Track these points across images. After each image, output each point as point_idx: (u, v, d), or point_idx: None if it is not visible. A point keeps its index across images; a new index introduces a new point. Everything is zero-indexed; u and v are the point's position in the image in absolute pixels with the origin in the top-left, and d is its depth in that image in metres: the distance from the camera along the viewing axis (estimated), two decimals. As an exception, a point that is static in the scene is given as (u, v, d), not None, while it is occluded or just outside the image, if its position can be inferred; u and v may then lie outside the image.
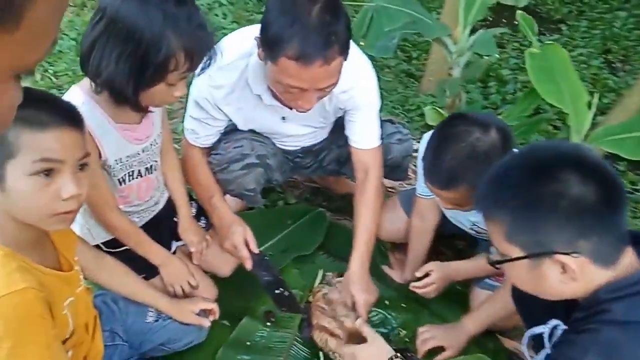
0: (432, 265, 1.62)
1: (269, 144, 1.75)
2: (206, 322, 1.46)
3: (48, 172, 0.93)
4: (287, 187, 2.23)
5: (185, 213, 1.65)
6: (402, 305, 1.69)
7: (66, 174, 0.95)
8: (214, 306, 1.48)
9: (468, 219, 1.59)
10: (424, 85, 3.04)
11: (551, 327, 1.09)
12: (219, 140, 1.69)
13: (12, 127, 0.89)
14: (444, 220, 1.74)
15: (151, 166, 1.49)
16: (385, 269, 1.84)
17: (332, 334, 1.46)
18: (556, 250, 0.91)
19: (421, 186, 1.69)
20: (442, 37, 2.36)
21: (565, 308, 1.05)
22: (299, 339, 1.56)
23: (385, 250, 1.92)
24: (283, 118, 1.65)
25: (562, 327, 1.04)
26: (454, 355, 1.44)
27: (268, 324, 1.60)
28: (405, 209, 1.82)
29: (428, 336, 1.49)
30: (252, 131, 1.70)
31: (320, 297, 1.58)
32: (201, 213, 1.78)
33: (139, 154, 1.42)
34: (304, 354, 1.53)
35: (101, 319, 1.35)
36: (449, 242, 1.94)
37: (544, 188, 0.92)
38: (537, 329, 1.13)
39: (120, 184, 1.43)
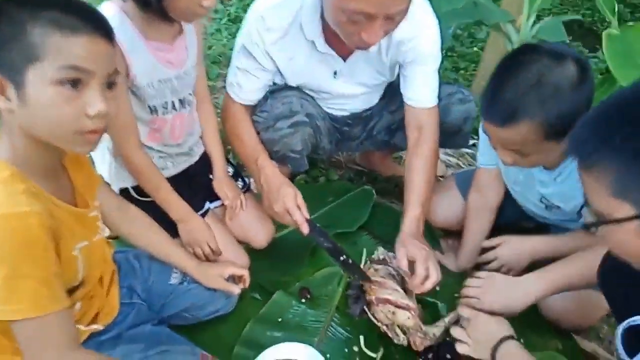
0: (504, 238, 1.39)
1: (317, 106, 1.60)
2: (235, 289, 1.30)
3: (75, 83, 0.81)
4: (329, 165, 2.07)
5: (220, 166, 1.54)
6: (455, 294, 1.47)
7: (94, 88, 0.83)
8: (245, 273, 1.32)
9: (538, 191, 1.35)
10: (474, 87, 2.83)
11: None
12: (264, 98, 1.54)
13: (37, 27, 0.78)
14: (505, 205, 1.52)
15: (184, 99, 1.37)
16: (437, 255, 1.61)
17: (398, 306, 1.27)
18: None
19: (483, 155, 1.48)
20: (503, 25, 2.15)
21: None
22: (336, 320, 1.37)
23: (437, 237, 1.70)
24: (335, 73, 1.48)
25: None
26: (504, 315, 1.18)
27: (303, 300, 1.42)
28: (462, 191, 1.61)
29: (474, 293, 1.24)
30: (300, 90, 1.56)
31: (372, 273, 1.39)
32: (238, 175, 1.65)
33: (172, 80, 1.31)
34: (341, 335, 1.33)
35: (119, 274, 1.23)
36: (511, 232, 1.70)
37: None
38: (635, 319, 0.91)
39: (152, 112, 1.32)
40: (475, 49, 3.25)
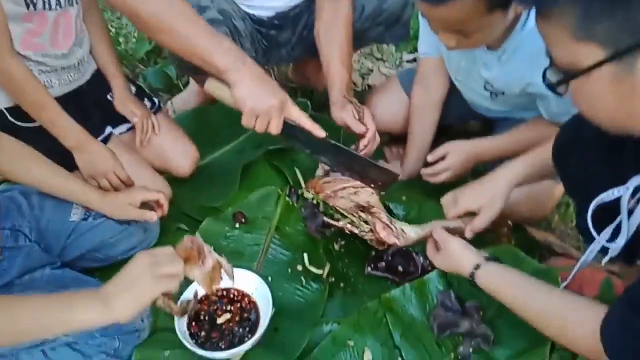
0: (447, 147, 1.25)
1: (233, 3, 1.36)
2: (151, 215, 1.11)
3: None
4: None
5: (120, 83, 1.31)
6: (402, 197, 1.35)
7: None
8: (160, 196, 1.12)
9: (481, 76, 1.22)
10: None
11: (633, 189, 0.77)
12: None
13: None
14: (450, 102, 1.39)
15: None
16: (380, 163, 1.47)
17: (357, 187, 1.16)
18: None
19: (424, 44, 1.33)
20: None
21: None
22: (276, 241, 1.22)
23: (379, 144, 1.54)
24: None
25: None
26: (489, 220, 1.05)
27: (237, 225, 1.25)
28: (406, 90, 1.46)
29: (451, 199, 1.10)
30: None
31: (317, 180, 1.23)
32: (144, 94, 1.40)
33: None
34: (282, 256, 1.19)
35: (1, 215, 1.00)
36: (457, 132, 1.59)
37: None
38: (608, 195, 0.81)
39: (28, 6, 1.06)
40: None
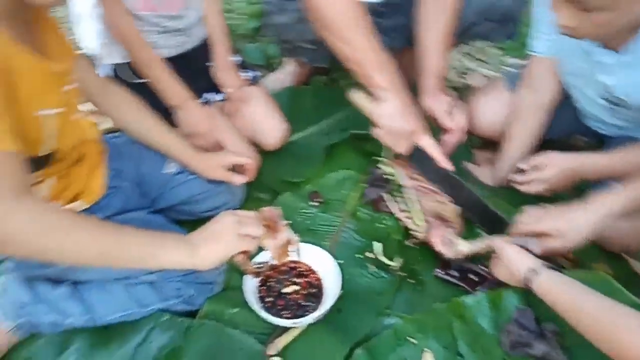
0: (546, 157, 1.17)
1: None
2: (238, 179, 1.16)
3: None
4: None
5: (222, 51, 1.35)
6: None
7: None
8: (249, 162, 1.17)
9: (600, 82, 1.11)
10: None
11: None
12: None
13: None
14: (557, 114, 1.30)
15: None
16: (469, 165, 1.43)
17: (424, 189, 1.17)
18: None
19: (537, 40, 1.23)
20: None
21: None
22: (351, 226, 1.23)
23: (471, 147, 1.48)
24: None
25: None
26: (563, 249, 0.98)
27: (313, 203, 1.27)
28: (510, 90, 1.37)
29: (533, 214, 1.03)
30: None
31: (406, 165, 1.23)
32: (245, 65, 1.46)
33: None
34: (355, 241, 1.19)
35: (109, 156, 1.10)
36: (560, 147, 1.48)
37: None
38: None
39: None
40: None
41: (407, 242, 1.20)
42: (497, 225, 1.15)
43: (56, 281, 1.01)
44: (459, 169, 1.38)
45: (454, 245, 1.12)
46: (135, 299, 0.98)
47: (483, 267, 1.11)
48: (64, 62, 0.89)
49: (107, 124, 1.24)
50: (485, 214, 1.18)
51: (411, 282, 1.12)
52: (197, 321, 0.99)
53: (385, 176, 1.26)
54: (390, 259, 1.14)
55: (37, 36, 0.85)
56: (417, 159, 1.18)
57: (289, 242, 0.93)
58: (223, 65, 1.35)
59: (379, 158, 1.30)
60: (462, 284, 1.12)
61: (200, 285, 1.01)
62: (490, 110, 1.39)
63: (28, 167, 0.73)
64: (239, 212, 0.87)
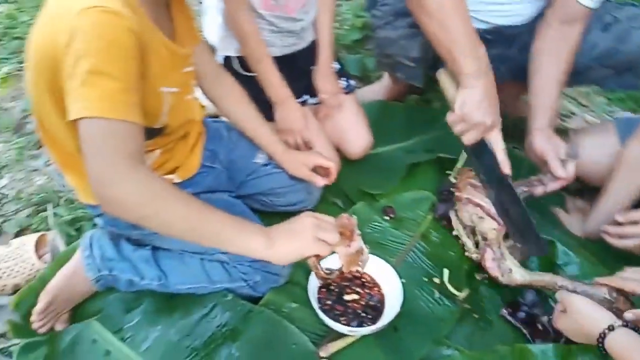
0: None
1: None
2: (319, 180, 1.19)
3: None
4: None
5: (326, 57, 1.39)
6: (569, 251, 1.21)
7: None
8: (332, 165, 1.20)
9: None
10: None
11: None
12: None
13: None
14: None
15: None
16: (559, 212, 1.34)
17: (488, 214, 1.12)
18: None
19: None
20: None
21: None
22: (420, 247, 1.21)
23: (564, 193, 1.38)
24: None
25: None
26: None
27: (386, 218, 1.27)
28: (621, 140, 1.26)
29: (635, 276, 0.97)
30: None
31: (470, 174, 1.20)
32: (345, 74, 1.49)
33: None
34: (423, 264, 1.17)
35: (207, 138, 1.17)
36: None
37: None
38: None
39: None
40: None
41: (476, 275, 1.17)
42: (536, 246, 1.11)
43: (138, 244, 1.09)
44: (548, 213, 1.32)
45: (508, 272, 1.09)
46: (207, 275, 1.04)
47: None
48: (189, 46, 0.98)
49: (211, 110, 1.33)
50: (527, 230, 1.11)
51: (475, 317, 1.08)
52: (257, 308, 1.03)
53: (451, 188, 1.25)
54: (458, 289, 1.11)
55: (170, 20, 0.94)
56: (479, 153, 1.13)
57: (359, 252, 0.93)
58: (324, 71, 1.39)
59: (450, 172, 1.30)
60: (525, 331, 1.06)
61: (267, 274, 1.04)
62: (595, 153, 1.28)
63: (144, 137, 0.80)
64: (319, 215, 0.88)
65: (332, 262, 1.05)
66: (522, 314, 1.09)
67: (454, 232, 1.22)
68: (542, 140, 1.17)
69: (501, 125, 1.13)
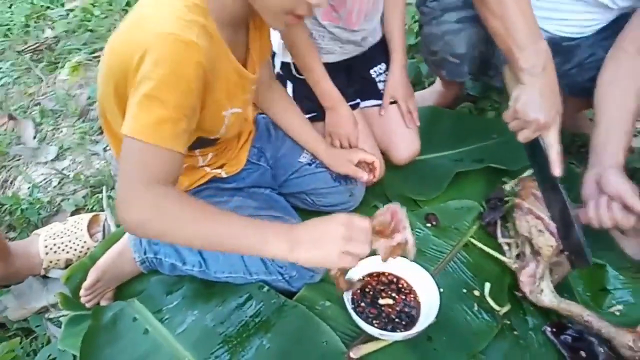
0: None
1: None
2: (364, 175, 1.18)
3: None
4: (504, 100, 1.76)
5: (400, 63, 1.37)
6: (628, 285, 1.14)
7: None
8: (376, 160, 1.19)
9: None
10: None
11: None
12: None
13: None
14: None
15: None
16: (615, 233, 1.25)
17: (549, 231, 1.07)
18: None
19: None
20: None
21: None
22: (462, 258, 1.18)
23: None
24: None
25: None
26: None
27: (428, 225, 1.25)
28: None
29: None
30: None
31: (534, 184, 1.16)
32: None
33: None
34: (463, 274, 1.14)
35: (256, 135, 1.21)
36: None
37: None
38: None
39: None
40: None
41: (516, 293, 1.12)
42: (580, 256, 1.06)
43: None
44: (604, 235, 1.24)
45: (539, 292, 1.06)
46: (245, 265, 1.05)
47: (604, 349, 0.99)
48: (259, 69, 1.00)
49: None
50: (573, 237, 1.06)
51: (515, 333, 1.03)
52: (291, 302, 1.03)
53: (505, 197, 1.21)
54: (498, 304, 1.07)
55: (246, 44, 0.96)
56: (532, 151, 1.09)
57: (403, 245, 0.87)
58: (398, 77, 1.38)
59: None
60: (567, 354, 1.01)
61: (303, 269, 1.04)
62: None
63: (182, 163, 0.81)
64: (354, 221, 0.80)
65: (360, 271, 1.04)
66: (567, 337, 1.04)
67: (499, 240, 1.18)
68: (619, 178, 1.06)
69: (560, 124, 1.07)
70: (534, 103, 1.02)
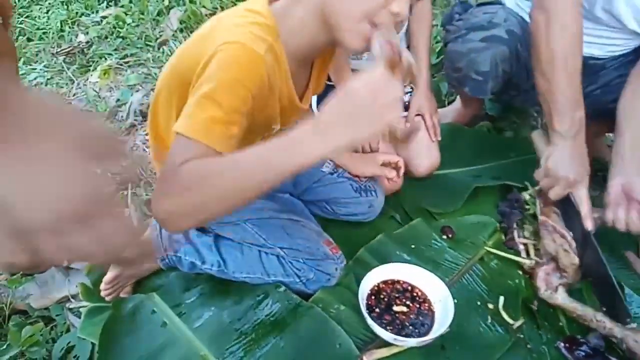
0: None
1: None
2: (391, 172, 1.21)
3: None
4: (523, 121, 1.78)
5: (426, 75, 1.42)
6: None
7: None
8: (400, 161, 1.23)
9: None
10: None
11: None
12: (468, 6, 1.37)
13: None
14: None
15: None
16: (631, 256, 1.27)
17: (570, 247, 1.11)
18: None
19: None
20: None
21: None
22: (477, 271, 1.19)
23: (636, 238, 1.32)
24: None
25: None
26: None
27: (444, 237, 1.26)
28: None
29: None
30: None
31: (553, 202, 1.18)
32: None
33: None
34: (477, 287, 1.15)
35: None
36: None
37: None
38: None
39: None
40: None
41: (532, 306, 1.12)
42: (619, 311, 1.06)
43: (203, 230, 1.16)
44: (621, 257, 1.25)
45: (553, 289, 1.10)
46: (263, 267, 1.08)
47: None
48: (310, 100, 1.01)
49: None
50: (607, 292, 1.08)
51: (528, 347, 1.04)
52: (307, 303, 1.05)
53: (524, 202, 1.26)
54: (512, 317, 1.07)
55: (307, 79, 0.97)
56: (564, 207, 1.14)
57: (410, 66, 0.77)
58: (425, 91, 1.42)
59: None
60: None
61: (320, 272, 1.06)
62: None
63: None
64: (365, 76, 0.66)
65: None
66: (580, 353, 1.04)
67: (515, 239, 1.23)
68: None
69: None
70: (564, 162, 1.08)
